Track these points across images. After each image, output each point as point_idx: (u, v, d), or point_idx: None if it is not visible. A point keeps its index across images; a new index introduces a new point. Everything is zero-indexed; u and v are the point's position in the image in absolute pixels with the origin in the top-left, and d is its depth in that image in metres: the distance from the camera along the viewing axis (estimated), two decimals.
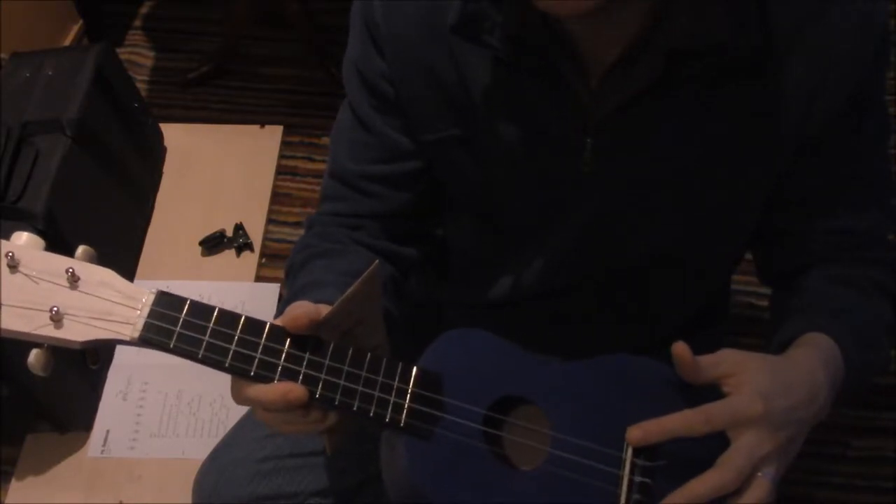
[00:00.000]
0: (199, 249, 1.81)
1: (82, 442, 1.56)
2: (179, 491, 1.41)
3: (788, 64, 0.73)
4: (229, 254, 1.82)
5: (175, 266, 1.79)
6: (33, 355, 0.66)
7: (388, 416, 0.71)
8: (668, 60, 0.71)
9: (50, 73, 1.60)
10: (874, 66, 0.75)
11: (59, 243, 1.42)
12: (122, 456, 1.54)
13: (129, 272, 1.77)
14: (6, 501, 1.50)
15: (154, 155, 1.93)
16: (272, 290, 1.75)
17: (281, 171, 1.98)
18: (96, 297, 0.67)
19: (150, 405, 1.60)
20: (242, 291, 1.75)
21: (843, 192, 0.82)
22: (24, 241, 0.68)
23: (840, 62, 0.73)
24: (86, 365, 1.57)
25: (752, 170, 0.79)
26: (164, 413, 1.59)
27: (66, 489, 1.51)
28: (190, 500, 0.96)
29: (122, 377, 1.63)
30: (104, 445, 1.56)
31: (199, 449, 1.48)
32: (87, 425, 1.57)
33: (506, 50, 0.73)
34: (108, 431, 1.57)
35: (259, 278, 1.80)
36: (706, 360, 0.74)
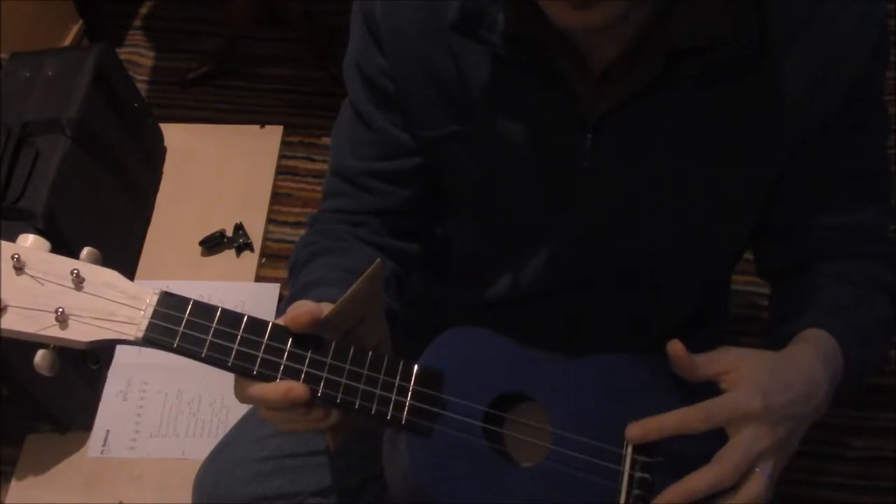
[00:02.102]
0: (199, 249, 1.81)
1: (82, 442, 1.56)
2: (179, 491, 1.41)
3: (787, 61, 0.73)
4: (229, 254, 1.82)
5: (175, 266, 1.79)
6: (39, 356, 0.67)
7: (389, 414, 0.72)
8: (667, 58, 0.71)
9: (50, 73, 1.60)
10: (873, 64, 0.75)
11: (59, 243, 1.42)
12: (122, 456, 1.54)
13: (129, 272, 1.77)
14: (6, 501, 1.50)
15: (154, 155, 1.93)
16: (272, 290, 1.75)
17: (281, 171, 1.98)
18: (101, 297, 0.68)
19: (150, 405, 1.60)
20: (242, 291, 1.75)
21: (842, 189, 0.82)
22: (30, 243, 0.68)
23: (839, 60, 0.73)
24: (86, 365, 1.57)
25: (752, 167, 0.79)
26: (164, 413, 1.59)
27: (66, 489, 1.51)
28: (190, 500, 0.96)
29: (122, 377, 1.63)
30: (104, 445, 1.56)
31: (199, 449, 1.49)
32: (87, 425, 1.57)
33: (505, 47, 0.73)
34: (108, 431, 1.57)
35: (259, 278, 1.80)
36: (703, 357, 0.74)
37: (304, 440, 0.95)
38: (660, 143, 0.77)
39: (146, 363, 1.63)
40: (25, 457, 1.55)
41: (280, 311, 0.74)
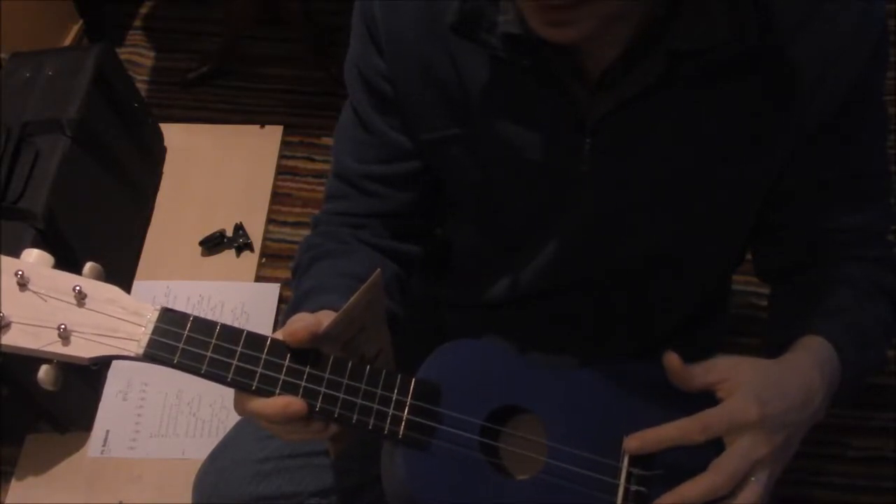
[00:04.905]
0: (199, 249, 1.81)
1: (82, 442, 1.56)
2: (179, 491, 1.41)
3: (787, 63, 0.73)
4: (229, 254, 1.82)
5: (175, 266, 1.79)
6: (43, 371, 0.68)
7: (386, 428, 0.72)
8: (668, 61, 0.71)
9: (50, 73, 1.60)
10: (873, 64, 0.75)
11: (59, 243, 1.42)
12: (122, 456, 1.55)
13: (129, 272, 1.77)
14: (6, 501, 1.50)
15: (154, 155, 1.93)
16: (272, 290, 1.75)
17: (281, 171, 1.98)
18: (102, 314, 0.68)
19: (150, 405, 1.60)
20: (242, 291, 1.75)
21: (841, 190, 0.82)
22: (33, 258, 0.69)
23: (839, 60, 0.73)
24: (86, 365, 1.56)
25: (751, 168, 0.79)
26: (164, 413, 1.59)
27: (66, 489, 1.51)
28: (190, 500, 0.96)
29: (122, 377, 1.63)
30: (104, 445, 1.56)
31: (199, 449, 1.49)
32: (87, 425, 1.57)
33: (504, 49, 0.73)
34: (108, 431, 1.57)
35: (259, 278, 1.80)
36: (698, 367, 0.74)
37: (304, 441, 0.95)
38: (658, 145, 0.77)
39: (146, 363, 1.62)
40: (25, 457, 1.55)
41: (283, 317, 0.74)
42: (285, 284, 1.76)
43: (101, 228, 1.63)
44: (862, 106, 0.78)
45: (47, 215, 1.41)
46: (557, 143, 0.79)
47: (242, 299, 1.72)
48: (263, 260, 1.84)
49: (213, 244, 1.81)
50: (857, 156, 0.81)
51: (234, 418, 1.01)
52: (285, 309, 0.78)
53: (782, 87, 0.74)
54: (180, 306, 1.69)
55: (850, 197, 0.83)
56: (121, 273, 1.73)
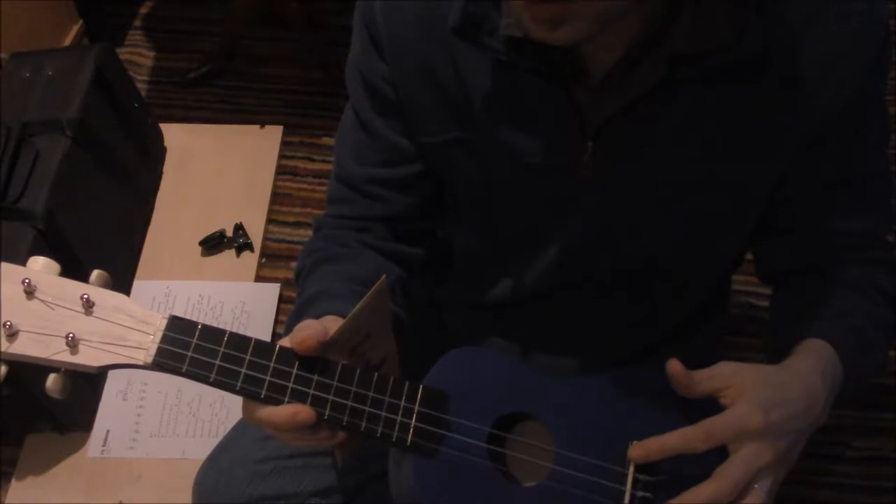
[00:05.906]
0: (199, 249, 1.81)
1: (82, 442, 1.56)
2: (179, 491, 1.41)
3: (789, 65, 0.73)
4: (229, 254, 1.82)
5: (175, 266, 1.79)
6: (51, 380, 0.68)
7: (394, 436, 0.72)
8: (670, 64, 0.70)
9: (50, 73, 1.60)
10: (875, 67, 0.75)
11: (59, 243, 1.42)
12: (122, 456, 1.55)
13: (129, 272, 1.77)
14: (6, 501, 1.50)
15: (154, 155, 1.93)
16: (272, 290, 1.75)
17: (281, 171, 1.98)
18: (111, 322, 0.68)
19: (150, 405, 1.60)
20: (242, 291, 1.74)
21: (842, 193, 0.82)
22: (40, 266, 0.68)
23: (840, 63, 0.73)
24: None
25: (753, 171, 0.79)
26: (164, 413, 1.59)
27: (66, 489, 1.51)
28: (190, 500, 0.96)
29: (122, 377, 1.62)
30: (104, 445, 1.56)
31: (199, 449, 1.49)
32: (87, 425, 1.57)
33: (506, 52, 0.73)
34: (108, 431, 1.57)
35: (259, 278, 1.80)
36: (701, 374, 0.74)
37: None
38: (661, 148, 0.77)
39: None
40: (25, 457, 1.55)
41: (288, 323, 0.74)
42: (285, 284, 1.76)
43: (101, 228, 1.63)
44: (864, 109, 0.78)
45: (47, 215, 1.41)
46: (560, 146, 0.79)
47: (242, 299, 1.72)
48: (263, 260, 1.84)
49: (213, 244, 1.81)
50: (858, 158, 0.81)
51: (234, 418, 1.01)
52: (289, 314, 0.78)
53: (785, 90, 0.74)
54: (180, 306, 1.71)
55: (851, 199, 0.83)
56: (121, 273, 1.73)
